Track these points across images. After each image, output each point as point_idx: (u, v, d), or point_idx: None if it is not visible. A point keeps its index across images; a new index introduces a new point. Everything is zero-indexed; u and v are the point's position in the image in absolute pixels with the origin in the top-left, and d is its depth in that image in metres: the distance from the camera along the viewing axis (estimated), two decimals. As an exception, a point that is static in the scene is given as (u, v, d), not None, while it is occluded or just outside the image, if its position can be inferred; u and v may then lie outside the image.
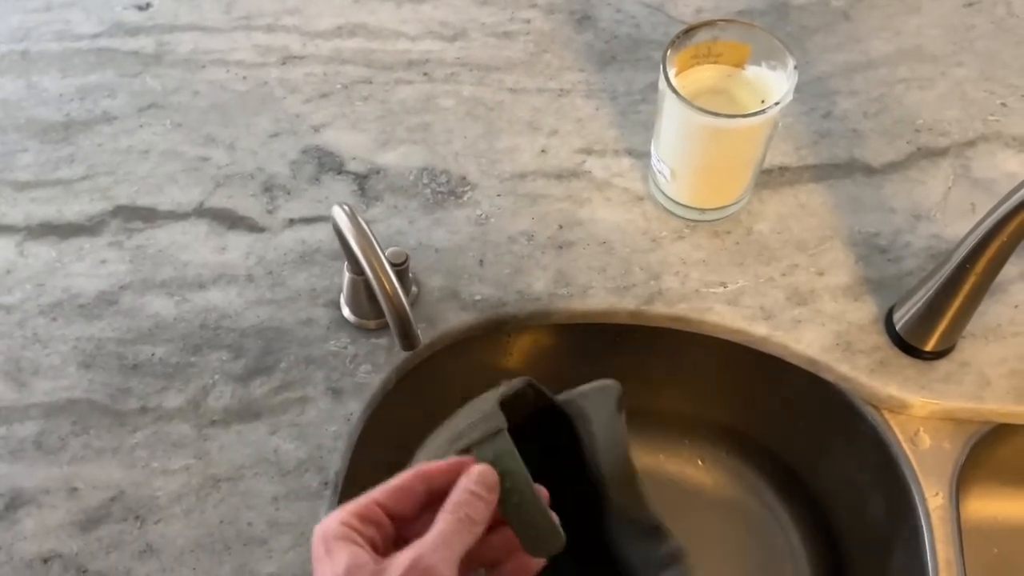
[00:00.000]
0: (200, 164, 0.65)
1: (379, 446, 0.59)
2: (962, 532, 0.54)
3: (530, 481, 0.38)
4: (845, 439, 0.60)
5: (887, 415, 0.57)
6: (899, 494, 0.56)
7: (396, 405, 0.59)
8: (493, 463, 0.38)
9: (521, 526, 0.38)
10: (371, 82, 0.69)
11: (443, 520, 0.36)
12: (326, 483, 0.53)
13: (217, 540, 0.52)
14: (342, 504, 0.36)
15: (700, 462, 0.71)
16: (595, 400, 0.42)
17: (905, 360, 0.57)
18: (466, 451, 0.38)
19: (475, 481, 0.37)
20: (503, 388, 0.40)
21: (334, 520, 0.35)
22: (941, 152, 0.65)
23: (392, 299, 0.48)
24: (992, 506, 0.65)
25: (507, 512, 0.38)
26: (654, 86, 0.68)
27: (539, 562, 0.39)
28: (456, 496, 0.36)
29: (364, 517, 0.35)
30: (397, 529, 0.37)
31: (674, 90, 0.55)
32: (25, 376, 0.57)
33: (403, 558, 0.34)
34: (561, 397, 0.43)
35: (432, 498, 0.37)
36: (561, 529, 0.38)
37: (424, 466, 0.37)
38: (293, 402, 0.56)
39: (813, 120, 0.67)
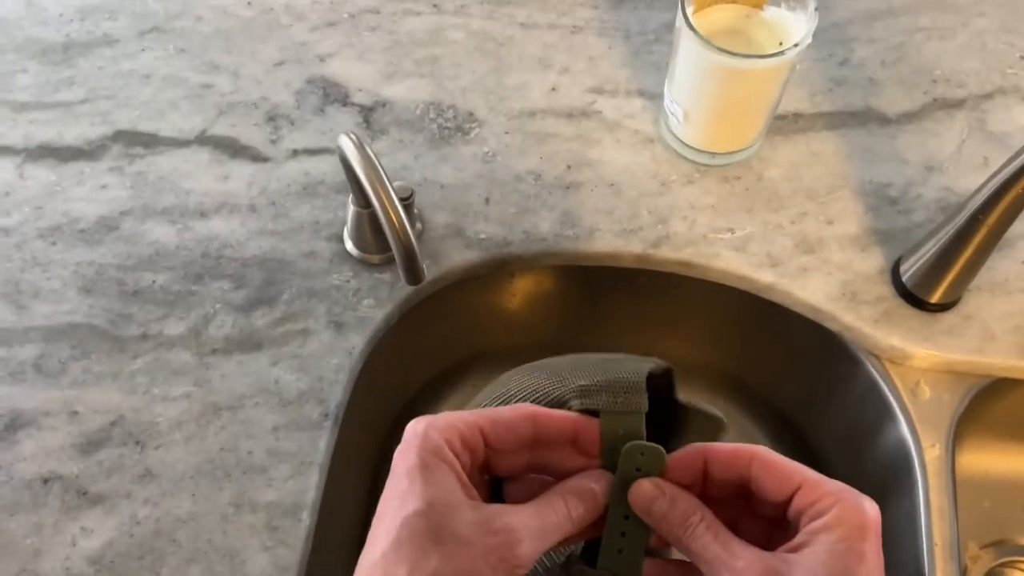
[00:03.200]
0: (203, 91, 0.64)
1: (380, 381, 0.59)
2: (956, 483, 0.55)
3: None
4: (845, 389, 0.60)
5: (888, 366, 0.57)
6: (896, 444, 0.56)
7: (398, 341, 0.59)
8: (617, 438, 0.35)
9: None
10: (379, 12, 0.67)
11: (552, 505, 0.33)
12: (327, 415, 0.53)
13: (217, 467, 0.52)
14: (442, 412, 0.34)
15: (698, 409, 0.71)
16: (699, 425, 0.39)
17: (909, 311, 0.57)
18: (592, 412, 0.35)
19: (600, 483, 0.34)
20: (652, 363, 0.37)
21: (436, 431, 0.32)
22: (957, 104, 0.64)
23: (399, 231, 0.47)
24: (985, 460, 0.65)
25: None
26: (669, 26, 0.67)
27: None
28: (577, 485, 0.34)
29: (466, 441, 0.33)
30: (488, 456, 0.35)
31: (691, 27, 0.53)
32: (25, 299, 0.56)
33: (499, 522, 0.31)
34: (685, 401, 0.39)
35: (535, 443, 0.35)
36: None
37: (539, 410, 0.35)
38: (295, 334, 0.56)
39: (829, 67, 0.65)
